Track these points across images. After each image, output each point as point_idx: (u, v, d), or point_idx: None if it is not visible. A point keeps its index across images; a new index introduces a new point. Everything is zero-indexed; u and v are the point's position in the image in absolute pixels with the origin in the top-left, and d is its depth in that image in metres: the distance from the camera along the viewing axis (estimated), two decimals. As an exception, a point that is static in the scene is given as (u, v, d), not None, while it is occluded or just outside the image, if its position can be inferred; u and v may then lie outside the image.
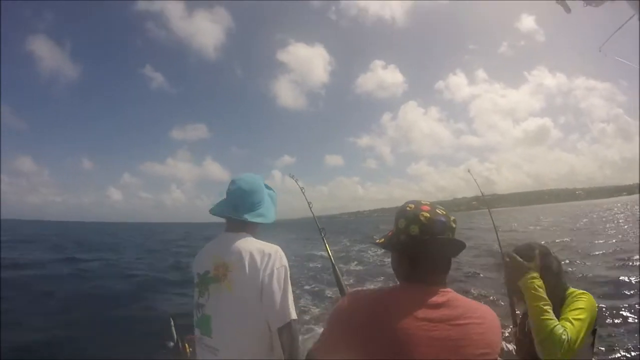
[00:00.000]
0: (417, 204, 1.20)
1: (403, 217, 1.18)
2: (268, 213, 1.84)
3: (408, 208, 1.19)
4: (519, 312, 2.16)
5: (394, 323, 1.06)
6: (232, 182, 1.82)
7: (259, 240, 1.76)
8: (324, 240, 2.33)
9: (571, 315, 1.65)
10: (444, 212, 1.18)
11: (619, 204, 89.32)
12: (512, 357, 2.10)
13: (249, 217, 1.76)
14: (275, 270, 1.66)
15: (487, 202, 3.77)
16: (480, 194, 3.60)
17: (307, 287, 11.14)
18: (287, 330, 1.62)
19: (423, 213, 1.15)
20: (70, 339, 6.75)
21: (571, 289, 1.87)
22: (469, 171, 3.66)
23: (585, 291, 1.84)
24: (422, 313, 1.07)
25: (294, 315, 1.66)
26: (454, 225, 1.18)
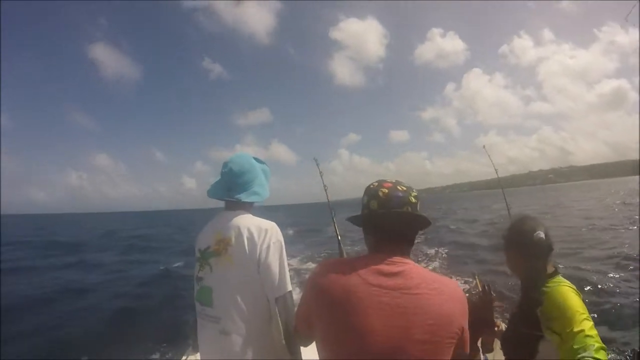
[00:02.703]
0: (381, 182, 1.28)
1: (366, 193, 1.27)
2: (261, 190, 1.92)
3: (371, 185, 1.28)
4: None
5: (348, 287, 1.15)
6: (224, 164, 1.88)
7: (256, 217, 1.85)
8: (333, 221, 3.08)
9: (581, 326, 1.44)
10: (404, 188, 1.24)
11: None
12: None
13: (242, 197, 1.84)
14: (272, 245, 1.75)
15: (501, 182, 4.08)
16: (496, 173, 3.95)
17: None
18: (283, 301, 1.72)
19: (382, 189, 1.23)
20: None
21: (558, 279, 1.66)
22: (484, 147, 3.90)
23: (569, 284, 1.64)
24: (375, 279, 1.14)
25: (289, 287, 1.76)
26: (413, 200, 1.23)
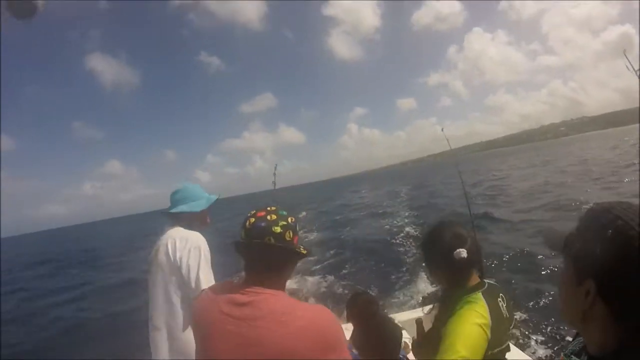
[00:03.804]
0: (259, 209, 1.26)
1: (242, 223, 1.24)
2: (191, 206, 2.32)
3: (249, 213, 1.25)
4: None
5: (206, 312, 1.22)
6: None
7: (184, 229, 2.23)
8: None
9: (446, 356, 1.33)
10: (273, 218, 1.21)
11: None
12: None
13: (170, 209, 2.30)
14: (191, 250, 2.10)
15: (455, 154, 4.20)
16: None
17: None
18: None
19: (251, 219, 1.21)
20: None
21: (474, 297, 1.48)
22: (442, 130, 4.08)
23: (480, 305, 1.44)
24: (226, 307, 1.15)
25: (203, 287, 1.99)
26: (278, 231, 1.19)
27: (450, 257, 1.51)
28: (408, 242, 11.73)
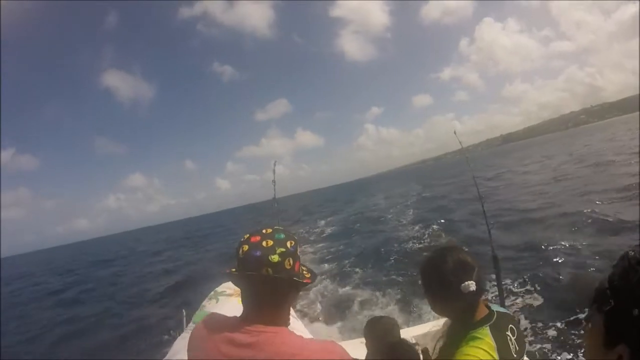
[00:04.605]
0: (253, 233, 1.12)
1: (235, 249, 1.10)
2: None
3: (242, 238, 1.11)
4: None
5: (202, 352, 1.12)
6: None
7: None
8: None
9: None
10: (269, 244, 1.07)
11: None
12: None
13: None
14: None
15: (464, 152, 3.70)
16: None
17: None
18: None
19: (244, 245, 1.08)
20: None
21: (480, 332, 1.35)
22: (454, 132, 3.55)
23: (487, 342, 1.31)
24: (226, 348, 1.06)
25: None
26: (276, 260, 1.04)
27: (455, 289, 1.35)
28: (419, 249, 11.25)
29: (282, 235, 1.11)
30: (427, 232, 13.50)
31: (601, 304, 0.66)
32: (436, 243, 11.46)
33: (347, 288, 9.04)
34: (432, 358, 1.57)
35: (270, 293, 1.09)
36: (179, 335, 2.18)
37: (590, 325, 0.69)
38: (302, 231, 21.43)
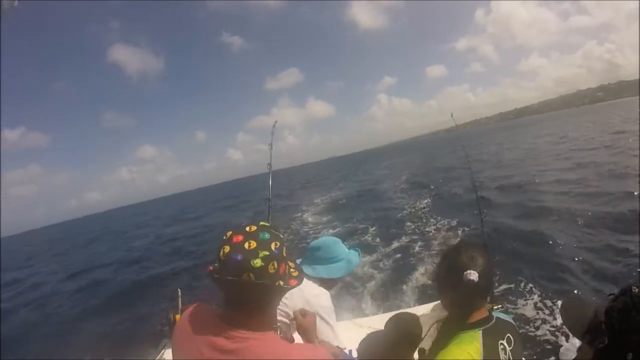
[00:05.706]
0: (237, 231, 1.03)
1: (217, 248, 1.03)
2: (329, 271, 2.21)
3: (224, 237, 1.03)
4: None
5: (182, 351, 1.09)
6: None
7: (310, 282, 2.12)
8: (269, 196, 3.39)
9: None
10: (252, 246, 0.99)
11: None
12: None
13: (309, 273, 2.17)
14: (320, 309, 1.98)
15: (457, 131, 3.89)
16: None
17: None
18: None
19: (225, 247, 0.99)
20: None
21: (471, 334, 1.34)
22: (451, 115, 3.77)
23: (475, 345, 1.29)
24: (208, 353, 1.01)
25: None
26: (258, 264, 0.97)
27: (459, 277, 1.35)
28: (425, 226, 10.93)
29: (267, 235, 1.03)
30: (415, 204, 14.40)
31: (593, 338, 0.65)
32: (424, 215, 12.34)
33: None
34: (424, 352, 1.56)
35: (253, 299, 1.04)
36: (173, 317, 2.05)
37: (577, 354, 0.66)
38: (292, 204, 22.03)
